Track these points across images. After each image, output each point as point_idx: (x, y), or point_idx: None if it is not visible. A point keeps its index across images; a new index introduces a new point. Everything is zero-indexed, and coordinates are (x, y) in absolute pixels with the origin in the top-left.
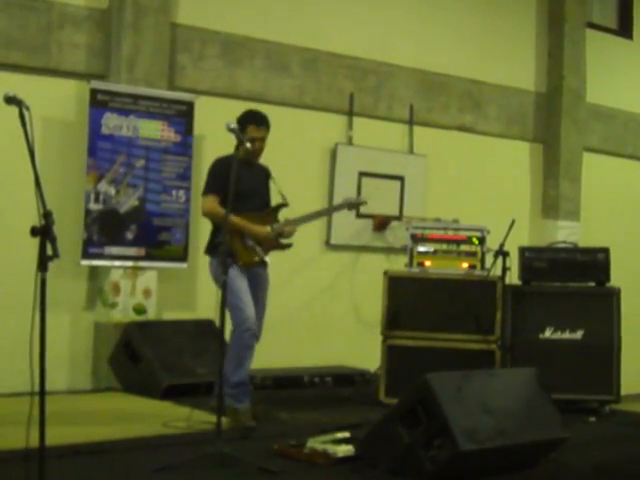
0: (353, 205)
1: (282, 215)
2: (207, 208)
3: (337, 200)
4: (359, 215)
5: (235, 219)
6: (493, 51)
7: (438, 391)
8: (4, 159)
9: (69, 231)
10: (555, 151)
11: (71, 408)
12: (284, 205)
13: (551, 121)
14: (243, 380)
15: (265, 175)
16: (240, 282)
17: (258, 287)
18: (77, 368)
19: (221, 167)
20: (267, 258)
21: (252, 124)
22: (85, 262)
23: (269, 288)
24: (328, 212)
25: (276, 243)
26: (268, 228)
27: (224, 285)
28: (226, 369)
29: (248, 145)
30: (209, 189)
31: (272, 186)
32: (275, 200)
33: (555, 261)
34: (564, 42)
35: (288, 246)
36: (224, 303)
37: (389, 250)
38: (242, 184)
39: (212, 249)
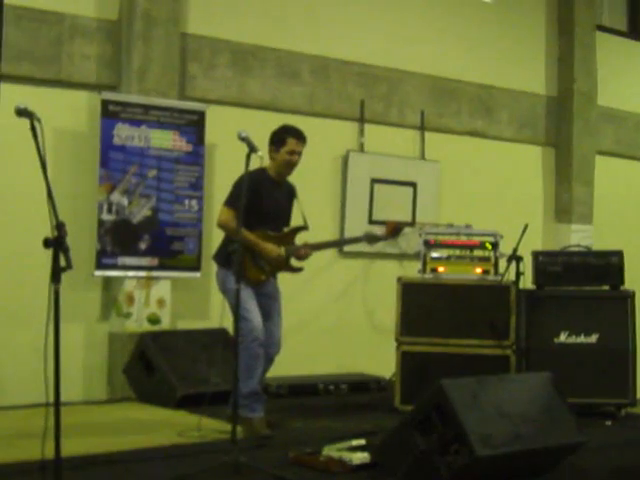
0: (373, 239)
1: (300, 237)
2: (222, 220)
3: (349, 208)
4: (372, 222)
5: (249, 235)
6: (503, 56)
7: (453, 397)
8: (16, 171)
9: (82, 242)
10: (567, 154)
11: (86, 419)
12: (304, 228)
13: (562, 125)
14: (255, 390)
15: (290, 195)
16: (246, 293)
17: (270, 299)
18: (92, 379)
19: (248, 184)
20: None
21: (293, 137)
22: (99, 273)
23: (281, 298)
24: (346, 243)
25: (286, 265)
26: (282, 249)
27: (237, 294)
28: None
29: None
30: (229, 203)
31: (295, 205)
32: (295, 220)
33: (569, 265)
34: (574, 45)
35: (299, 269)
36: (237, 312)
37: (402, 256)
38: (267, 204)
39: (222, 258)
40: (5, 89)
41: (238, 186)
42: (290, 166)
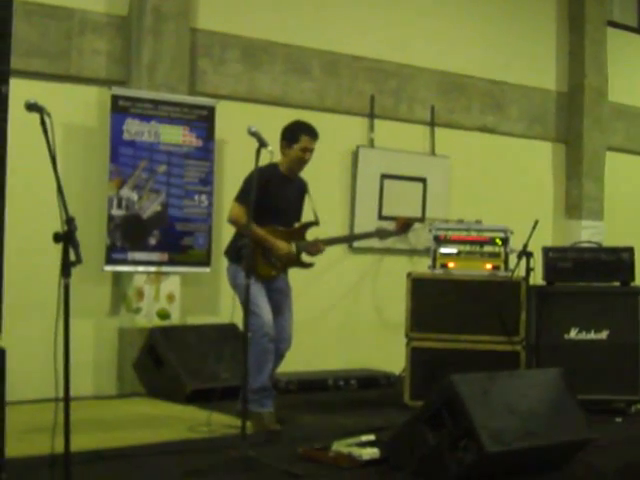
0: (385, 235)
1: (310, 233)
2: (233, 216)
3: (359, 204)
4: (381, 217)
5: (259, 231)
6: (514, 51)
7: (463, 393)
8: (26, 166)
9: (92, 237)
10: (578, 150)
11: (96, 414)
12: (314, 224)
13: (573, 120)
14: (265, 385)
15: (302, 190)
16: (257, 289)
17: (281, 295)
18: (102, 373)
19: (259, 180)
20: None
21: (307, 135)
22: (108, 268)
23: (292, 293)
24: (358, 238)
25: (296, 261)
26: (292, 245)
27: (247, 288)
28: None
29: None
30: (240, 198)
31: (306, 201)
32: (306, 216)
33: (579, 261)
34: (585, 41)
35: (309, 265)
36: (247, 306)
37: (412, 252)
38: (278, 200)
39: (233, 254)
40: (15, 84)
41: (249, 182)
42: (302, 163)
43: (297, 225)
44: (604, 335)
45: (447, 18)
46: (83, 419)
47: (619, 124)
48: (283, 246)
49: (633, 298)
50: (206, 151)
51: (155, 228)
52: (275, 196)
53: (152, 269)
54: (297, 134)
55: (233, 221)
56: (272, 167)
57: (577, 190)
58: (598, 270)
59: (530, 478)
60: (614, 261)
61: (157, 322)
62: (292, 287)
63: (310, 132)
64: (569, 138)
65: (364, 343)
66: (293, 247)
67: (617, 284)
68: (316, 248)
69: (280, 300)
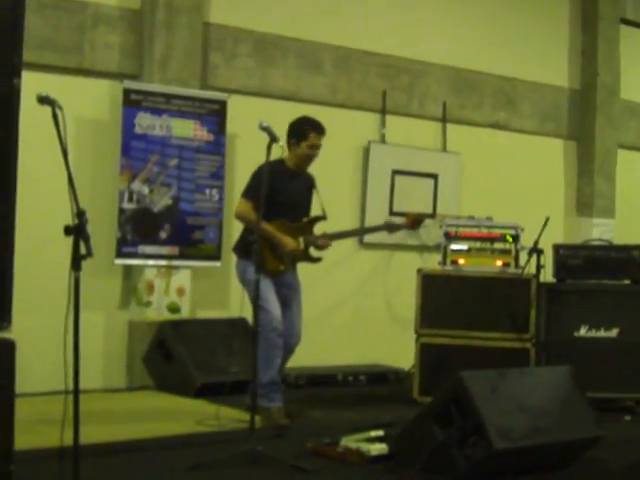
0: (394, 228)
1: (319, 228)
2: (240, 212)
3: (370, 200)
4: (392, 213)
5: (267, 227)
6: (526, 48)
7: (472, 389)
8: (38, 159)
9: (103, 230)
10: (589, 148)
11: (105, 406)
12: (322, 218)
13: (585, 118)
14: (273, 379)
15: (309, 185)
16: (265, 284)
17: (290, 290)
18: (111, 367)
19: (267, 175)
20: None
21: (314, 131)
22: (119, 261)
23: (301, 288)
24: (366, 232)
25: (304, 256)
26: (300, 242)
27: (257, 284)
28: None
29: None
30: (247, 194)
31: (314, 196)
32: (315, 211)
33: (590, 259)
34: (598, 38)
35: (318, 260)
36: (256, 302)
37: (422, 248)
38: (285, 196)
39: (241, 249)
40: (27, 77)
41: (255, 177)
42: (310, 160)
43: (305, 220)
44: (614, 333)
45: (459, 14)
46: (92, 412)
47: (631, 122)
48: (290, 242)
49: None
50: (217, 145)
51: (166, 222)
52: (282, 191)
53: (162, 263)
54: (305, 131)
55: (240, 217)
56: (279, 163)
57: (588, 187)
58: (609, 268)
59: (538, 475)
60: (625, 259)
61: (167, 316)
62: (302, 282)
63: (317, 129)
64: (581, 135)
65: (373, 339)
66: (301, 242)
67: (628, 282)
68: (324, 242)
69: (289, 295)
